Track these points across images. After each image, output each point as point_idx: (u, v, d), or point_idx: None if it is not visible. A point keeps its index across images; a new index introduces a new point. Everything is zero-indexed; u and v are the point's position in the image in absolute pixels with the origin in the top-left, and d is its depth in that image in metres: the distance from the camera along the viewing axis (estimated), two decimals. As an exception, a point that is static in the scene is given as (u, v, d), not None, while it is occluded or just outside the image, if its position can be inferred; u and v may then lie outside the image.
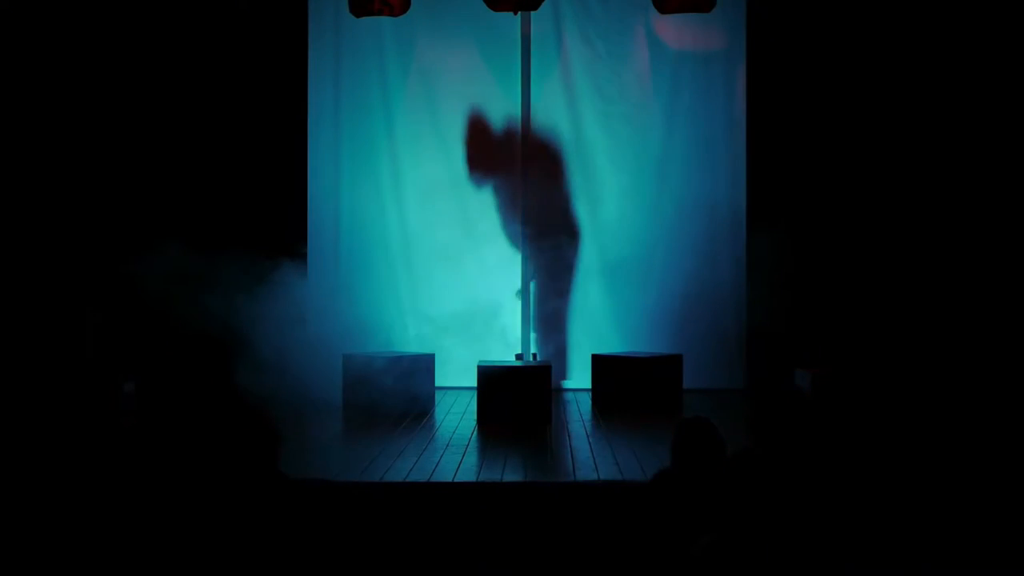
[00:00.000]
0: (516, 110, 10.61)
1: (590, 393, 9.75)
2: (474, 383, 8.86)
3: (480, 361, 9.00)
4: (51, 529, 5.86)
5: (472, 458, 7.17)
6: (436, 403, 9.40)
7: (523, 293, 10.44)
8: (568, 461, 7.12)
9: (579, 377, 10.36)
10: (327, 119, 10.66)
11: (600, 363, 9.63)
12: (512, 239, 10.67)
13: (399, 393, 8.95)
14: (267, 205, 10.24)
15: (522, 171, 10.62)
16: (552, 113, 10.62)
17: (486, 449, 7.56)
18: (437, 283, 10.57)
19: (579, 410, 9.32)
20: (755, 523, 4.30)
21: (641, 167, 10.59)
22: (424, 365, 9.38)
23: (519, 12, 10.05)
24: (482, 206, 10.64)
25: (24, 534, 5.81)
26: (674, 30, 10.43)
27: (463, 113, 10.62)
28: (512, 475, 6.68)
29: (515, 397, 8.50)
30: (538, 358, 10.38)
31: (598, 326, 10.60)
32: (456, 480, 6.47)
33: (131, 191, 10.09)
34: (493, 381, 8.59)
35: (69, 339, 9.50)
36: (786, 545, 4.32)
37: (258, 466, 4.83)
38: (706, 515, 4.67)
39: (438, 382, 9.65)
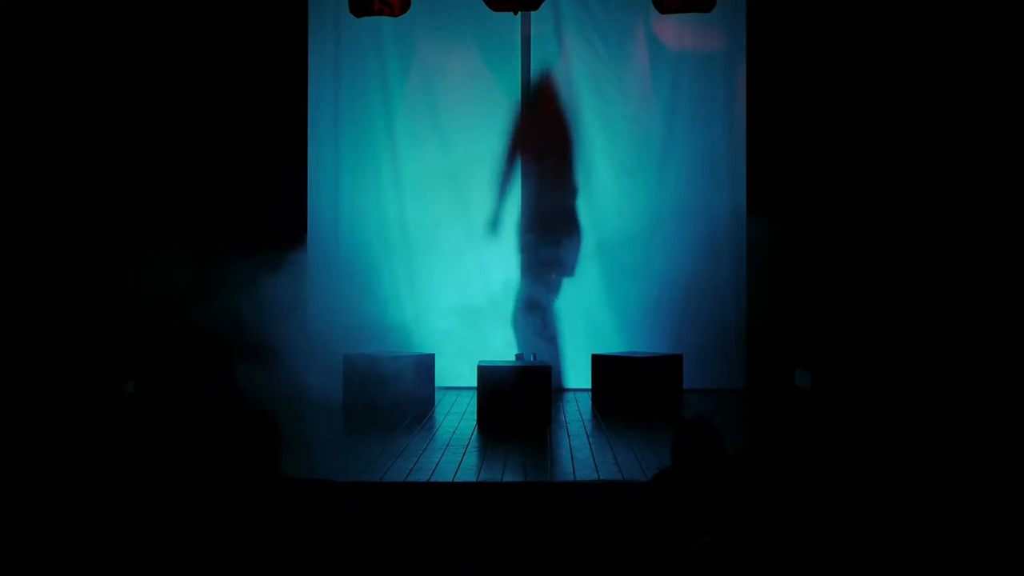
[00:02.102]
0: (516, 110, 10.62)
1: (590, 393, 9.75)
2: (474, 383, 8.87)
3: (480, 361, 9.00)
4: (51, 529, 5.86)
5: (472, 458, 7.17)
6: (436, 403, 9.40)
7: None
8: (568, 461, 7.12)
9: (579, 377, 10.36)
10: (327, 118, 10.67)
11: (600, 363, 9.63)
12: (513, 238, 10.69)
13: (399, 393, 8.95)
14: (267, 204, 10.24)
15: (522, 171, 10.63)
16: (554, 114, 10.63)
17: (486, 449, 7.56)
18: (437, 281, 10.58)
19: (579, 410, 9.32)
20: (755, 523, 4.30)
21: (641, 167, 10.60)
22: (424, 365, 9.38)
23: (519, 12, 10.07)
24: (482, 205, 10.64)
25: (24, 534, 5.81)
26: (674, 30, 10.44)
27: (463, 113, 10.61)
28: (512, 475, 6.68)
29: (515, 397, 8.50)
30: (538, 358, 10.37)
31: (598, 326, 10.60)
32: (456, 480, 6.47)
33: (132, 189, 10.09)
34: (493, 381, 8.59)
35: (68, 339, 9.49)
36: (786, 545, 4.32)
37: (258, 466, 4.84)
38: (706, 515, 4.67)
39: (438, 382, 9.65)
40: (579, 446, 7.62)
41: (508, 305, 10.67)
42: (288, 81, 10.43)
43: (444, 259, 10.57)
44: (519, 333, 10.66)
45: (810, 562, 4.65)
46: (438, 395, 9.59)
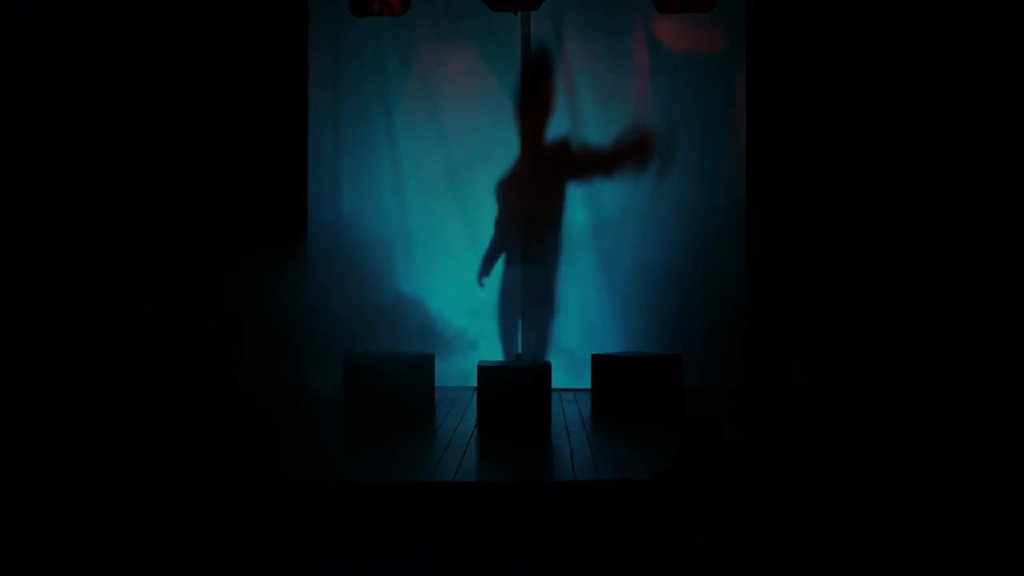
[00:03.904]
0: (516, 110, 10.63)
1: (590, 393, 9.75)
2: (474, 383, 8.87)
3: (480, 361, 9.00)
4: (51, 528, 5.86)
5: (472, 458, 7.18)
6: (436, 403, 9.40)
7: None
8: (568, 461, 7.12)
9: (579, 377, 10.36)
10: (327, 119, 10.68)
11: (600, 363, 9.63)
12: (512, 237, 10.70)
13: (399, 393, 8.94)
14: (267, 205, 10.23)
15: (522, 170, 10.64)
16: (552, 114, 10.64)
17: (486, 449, 7.57)
18: (437, 281, 10.59)
19: (579, 410, 9.33)
20: (756, 520, 4.31)
21: (642, 168, 10.60)
22: (424, 364, 9.37)
23: (519, 12, 10.08)
24: (483, 205, 10.65)
25: (25, 532, 5.82)
26: (674, 31, 10.45)
27: (463, 113, 10.62)
28: (512, 475, 6.69)
29: (515, 397, 8.50)
30: (538, 358, 10.39)
31: (597, 326, 10.61)
32: (456, 480, 6.48)
33: (130, 189, 10.08)
34: (493, 381, 8.59)
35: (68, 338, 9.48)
36: (786, 541, 4.33)
37: (259, 466, 4.84)
38: (708, 513, 4.68)
39: (438, 382, 9.64)
40: (579, 446, 7.63)
41: (508, 304, 10.68)
42: (288, 81, 10.42)
43: (444, 259, 10.59)
44: (519, 332, 10.67)
45: (808, 558, 4.65)
46: (438, 395, 9.59)
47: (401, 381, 9.00)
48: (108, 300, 9.51)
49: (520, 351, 10.58)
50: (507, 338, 10.71)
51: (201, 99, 10.26)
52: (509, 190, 10.66)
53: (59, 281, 9.45)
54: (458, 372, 10.19)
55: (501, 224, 10.67)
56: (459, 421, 8.67)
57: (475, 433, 8.15)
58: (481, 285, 10.65)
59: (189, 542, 5.17)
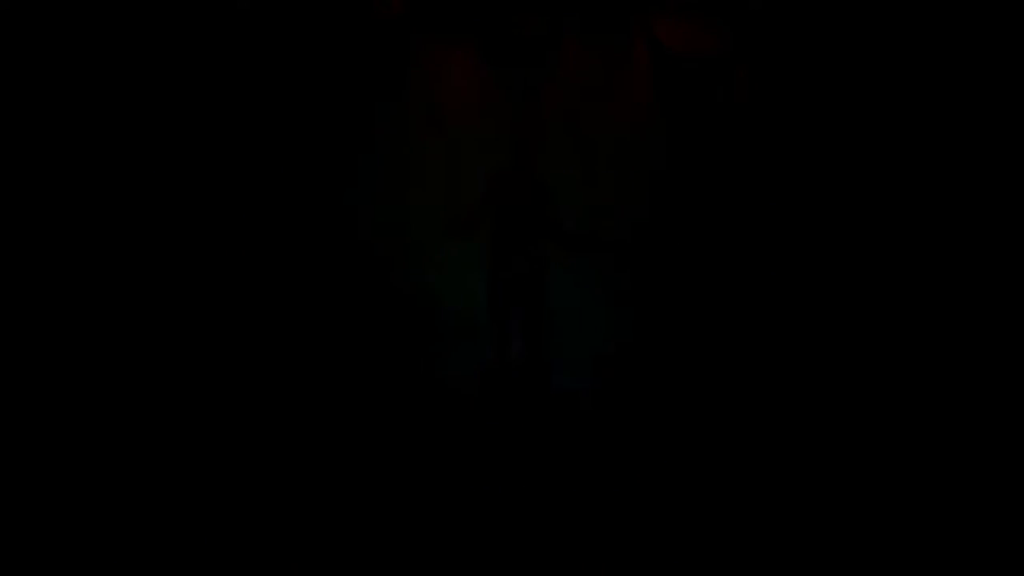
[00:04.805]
0: (516, 109, 10.66)
1: (589, 394, 9.76)
2: (474, 383, 8.88)
3: (480, 360, 9.02)
4: (53, 526, 5.87)
5: (472, 458, 7.20)
6: (436, 403, 9.40)
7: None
8: (568, 458, 7.14)
9: (579, 377, 10.38)
10: (328, 119, 10.70)
11: (600, 362, 9.64)
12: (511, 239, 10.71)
13: (399, 392, 8.95)
14: (266, 206, 10.26)
15: (521, 169, 10.66)
16: (551, 114, 10.68)
17: (486, 449, 7.58)
18: (439, 282, 10.61)
19: (579, 410, 9.33)
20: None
21: (641, 167, 10.64)
22: (425, 365, 9.38)
23: (519, 12, 10.11)
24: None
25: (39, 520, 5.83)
26: (674, 31, 10.49)
27: (463, 113, 10.66)
28: (512, 473, 6.70)
29: (516, 397, 8.51)
30: (537, 357, 10.39)
31: (597, 327, 10.62)
32: (455, 479, 6.50)
33: (127, 190, 10.10)
34: (494, 381, 8.60)
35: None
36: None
37: (261, 467, 4.85)
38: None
39: (439, 382, 9.64)
40: (579, 445, 7.64)
41: (506, 304, 10.69)
42: (289, 81, 10.46)
43: (445, 259, 10.61)
44: (518, 332, 10.68)
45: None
46: (439, 395, 9.58)
47: (401, 380, 9.02)
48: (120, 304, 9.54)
49: (519, 351, 10.59)
50: (506, 338, 10.71)
51: (200, 99, 10.28)
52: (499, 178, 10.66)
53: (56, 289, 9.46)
54: (458, 372, 10.20)
55: (489, 190, 10.63)
56: (459, 421, 8.68)
57: (475, 432, 8.17)
58: (451, 233, 10.55)
59: (191, 541, 5.17)
